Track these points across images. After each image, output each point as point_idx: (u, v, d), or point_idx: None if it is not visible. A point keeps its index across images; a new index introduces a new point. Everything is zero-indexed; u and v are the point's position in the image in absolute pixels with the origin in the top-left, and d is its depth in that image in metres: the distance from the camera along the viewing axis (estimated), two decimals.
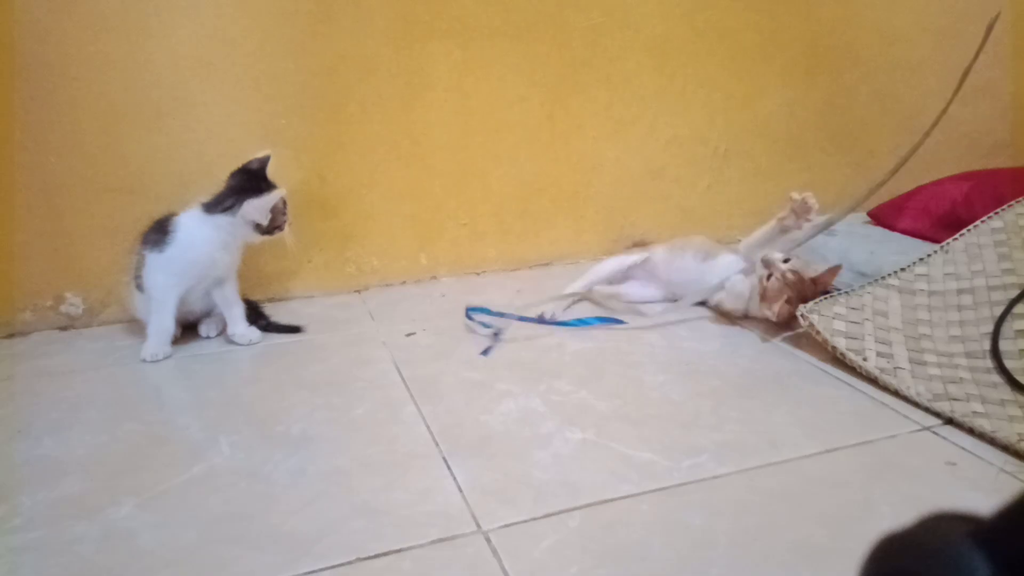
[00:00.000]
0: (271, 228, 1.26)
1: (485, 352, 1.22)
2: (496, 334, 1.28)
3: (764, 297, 1.22)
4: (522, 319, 1.31)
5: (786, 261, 1.22)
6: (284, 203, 1.27)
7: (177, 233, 1.22)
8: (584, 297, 1.42)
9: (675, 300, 1.39)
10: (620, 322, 1.32)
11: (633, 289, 1.43)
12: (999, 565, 0.26)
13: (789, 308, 1.19)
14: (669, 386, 1.09)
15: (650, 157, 1.70)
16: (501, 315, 1.32)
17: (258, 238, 1.27)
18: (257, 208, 1.22)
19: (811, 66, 1.76)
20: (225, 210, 1.22)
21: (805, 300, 1.19)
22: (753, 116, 1.75)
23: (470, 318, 1.34)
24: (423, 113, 1.51)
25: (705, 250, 1.38)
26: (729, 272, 1.31)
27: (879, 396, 1.03)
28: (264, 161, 1.26)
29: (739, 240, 1.69)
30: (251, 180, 1.24)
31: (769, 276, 1.21)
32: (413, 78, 1.49)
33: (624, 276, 1.45)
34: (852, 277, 1.34)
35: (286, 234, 1.29)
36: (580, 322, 1.32)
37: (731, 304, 1.30)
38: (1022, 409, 0.94)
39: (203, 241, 1.22)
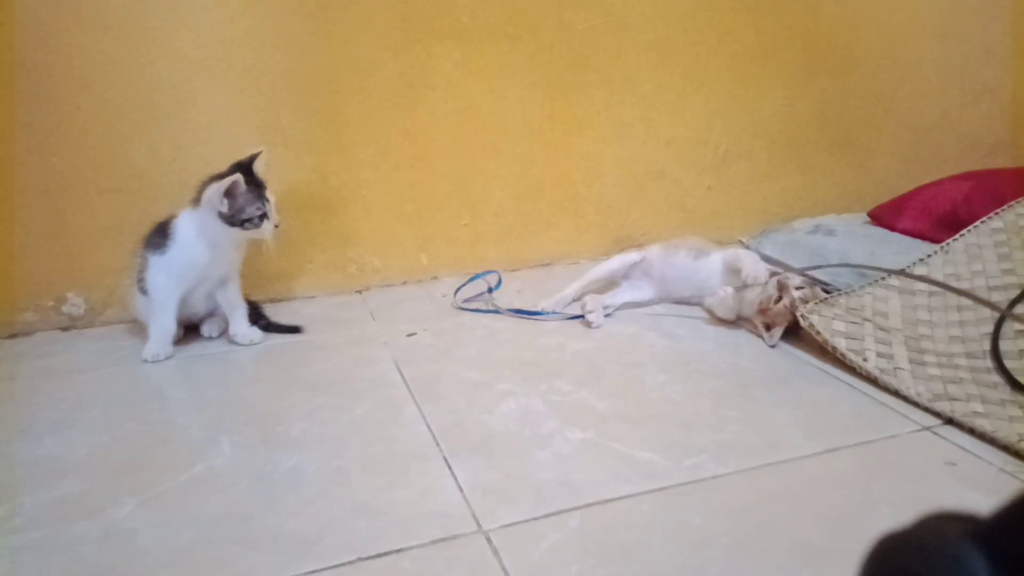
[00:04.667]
0: (238, 220, 1.18)
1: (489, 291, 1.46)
2: (490, 290, 1.46)
3: (765, 315, 1.23)
4: (511, 312, 1.38)
5: (799, 288, 1.22)
6: (256, 195, 1.19)
7: (176, 234, 1.21)
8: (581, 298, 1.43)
9: (669, 299, 1.42)
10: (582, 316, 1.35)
11: (624, 293, 1.43)
12: (998, 565, 0.26)
13: (779, 329, 1.23)
14: (669, 386, 1.09)
15: (650, 157, 1.70)
16: (493, 311, 1.41)
17: (236, 233, 1.20)
18: (212, 192, 1.16)
19: (811, 66, 1.76)
20: (195, 201, 1.20)
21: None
22: (753, 116, 1.75)
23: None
24: (424, 113, 1.51)
25: (698, 248, 1.40)
26: (720, 270, 1.34)
27: (879, 396, 1.03)
28: (254, 156, 1.21)
29: (740, 241, 1.70)
30: (233, 171, 1.19)
31: (778, 299, 1.21)
32: (414, 78, 1.49)
33: (623, 276, 1.46)
34: (852, 278, 1.34)
35: (265, 232, 1.21)
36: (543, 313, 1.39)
37: (723, 313, 1.31)
38: (1022, 409, 0.94)
39: (197, 240, 1.21)
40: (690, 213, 1.77)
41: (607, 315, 1.36)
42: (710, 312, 1.34)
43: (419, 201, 1.56)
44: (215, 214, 1.18)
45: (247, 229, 1.20)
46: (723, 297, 1.28)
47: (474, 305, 1.44)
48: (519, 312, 1.39)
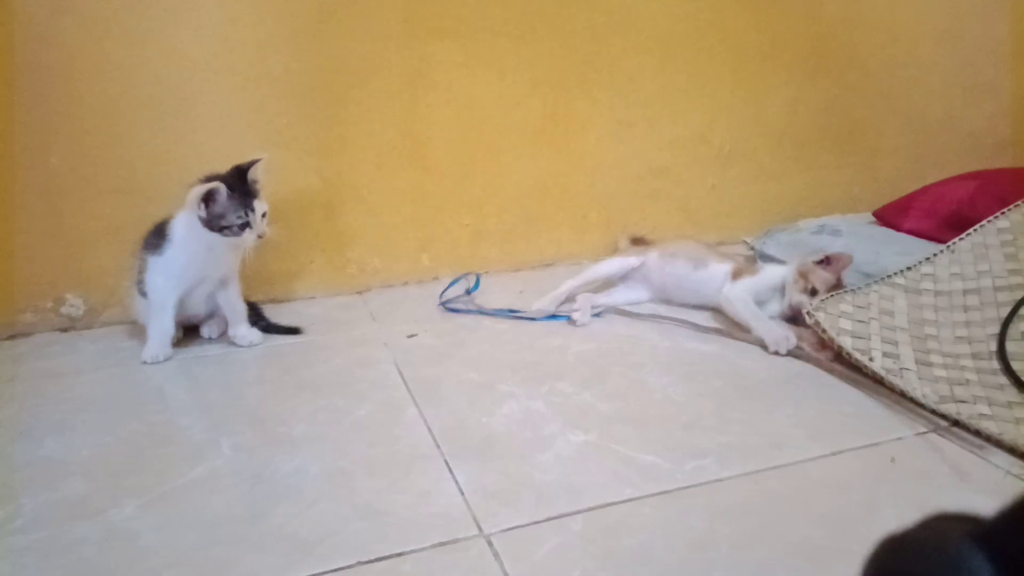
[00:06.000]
0: (217, 226, 1.17)
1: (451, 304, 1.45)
2: (468, 291, 1.47)
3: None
4: (493, 313, 1.39)
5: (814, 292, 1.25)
6: (240, 203, 1.18)
7: (172, 236, 1.21)
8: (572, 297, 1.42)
9: (667, 302, 1.43)
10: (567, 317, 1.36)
11: (620, 294, 1.44)
12: (1000, 565, 0.26)
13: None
14: (672, 388, 1.08)
15: (652, 157, 1.70)
16: (472, 311, 1.42)
17: (220, 240, 1.19)
18: (191, 196, 1.15)
19: (813, 66, 1.75)
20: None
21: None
22: (756, 116, 1.74)
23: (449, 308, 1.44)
24: (425, 113, 1.51)
25: (697, 257, 1.39)
26: (719, 281, 1.34)
27: (884, 398, 1.03)
28: (253, 162, 1.20)
29: (744, 241, 1.69)
30: (233, 174, 1.19)
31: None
32: (415, 78, 1.48)
33: (620, 278, 1.46)
34: (857, 278, 1.33)
35: (244, 241, 1.19)
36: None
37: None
38: None
39: (192, 241, 1.20)
40: (693, 213, 1.76)
41: (596, 314, 1.37)
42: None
43: (420, 201, 1.56)
44: (198, 218, 1.18)
45: (226, 236, 1.18)
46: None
47: (457, 306, 1.44)
48: (499, 312, 1.38)
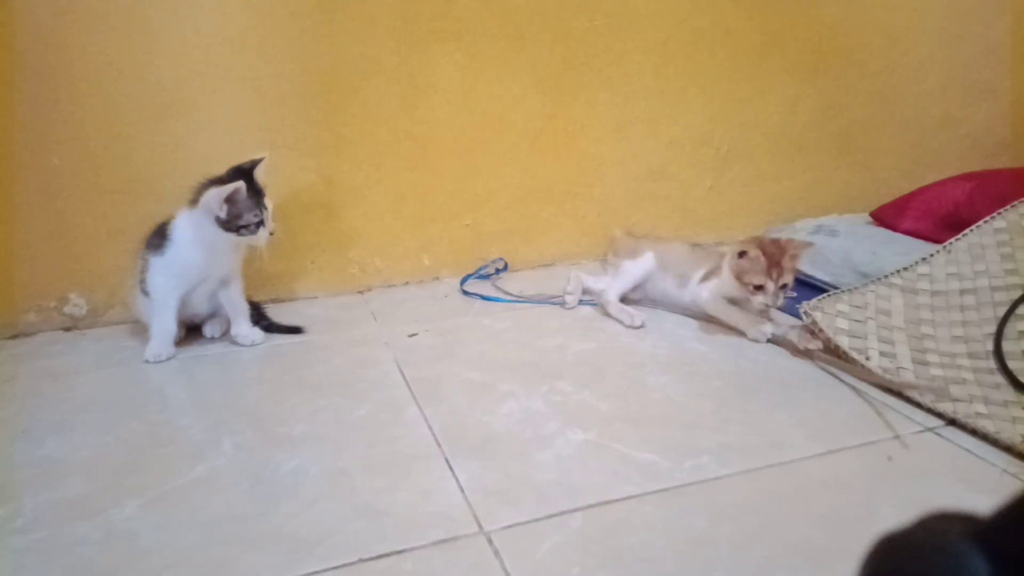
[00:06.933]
0: (235, 226, 1.18)
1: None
2: (498, 270, 1.59)
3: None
4: (516, 300, 1.46)
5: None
6: (255, 202, 1.19)
7: (173, 236, 1.21)
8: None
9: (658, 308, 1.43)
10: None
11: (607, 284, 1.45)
12: (998, 564, 0.26)
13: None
14: (671, 387, 1.09)
15: (651, 158, 1.70)
16: (495, 299, 1.48)
17: (231, 237, 1.19)
18: (212, 197, 1.16)
19: (812, 67, 1.76)
20: (193, 202, 1.19)
21: None
22: (754, 117, 1.75)
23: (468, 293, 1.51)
24: (425, 114, 1.51)
25: (682, 273, 1.38)
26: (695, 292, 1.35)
27: (882, 397, 1.03)
28: (256, 161, 1.21)
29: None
30: (234, 176, 1.20)
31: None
32: (415, 79, 1.49)
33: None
34: (854, 278, 1.34)
35: (259, 239, 1.21)
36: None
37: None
38: None
39: (194, 241, 1.21)
40: (691, 213, 1.76)
41: (583, 301, 1.44)
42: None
43: (421, 201, 1.56)
44: (212, 218, 1.18)
45: (243, 235, 1.20)
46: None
47: (479, 288, 1.51)
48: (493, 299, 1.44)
